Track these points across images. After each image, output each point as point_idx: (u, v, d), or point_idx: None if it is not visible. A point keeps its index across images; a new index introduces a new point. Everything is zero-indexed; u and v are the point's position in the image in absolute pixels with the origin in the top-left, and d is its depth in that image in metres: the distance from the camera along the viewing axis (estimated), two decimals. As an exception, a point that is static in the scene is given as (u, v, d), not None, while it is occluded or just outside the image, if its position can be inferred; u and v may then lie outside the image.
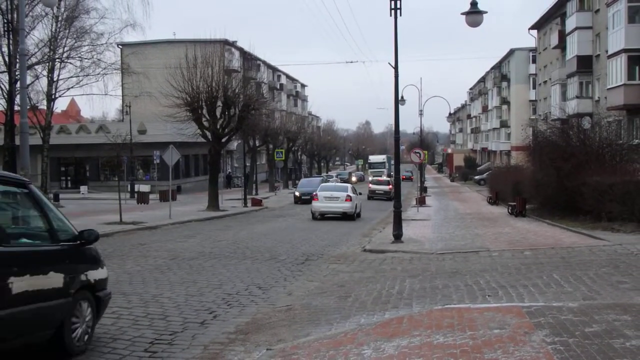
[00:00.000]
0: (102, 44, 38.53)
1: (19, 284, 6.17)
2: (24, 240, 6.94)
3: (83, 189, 54.57)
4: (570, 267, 12.95)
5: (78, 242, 7.30)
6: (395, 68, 20.11)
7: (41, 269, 6.59)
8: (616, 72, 38.31)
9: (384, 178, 60.71)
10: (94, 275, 7.59)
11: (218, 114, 35.09)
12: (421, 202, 41.19)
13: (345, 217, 30.49)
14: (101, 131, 52.51)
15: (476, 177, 78.91)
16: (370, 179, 69.74)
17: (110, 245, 17.88)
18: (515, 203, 30.26)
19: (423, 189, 51.34)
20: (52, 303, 6.67)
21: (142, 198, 42.08)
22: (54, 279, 6.75)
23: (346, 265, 14.96)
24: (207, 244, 18.48)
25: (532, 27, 63.69)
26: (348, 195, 31.19)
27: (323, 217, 30.75)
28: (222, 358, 7.22)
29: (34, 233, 7.21)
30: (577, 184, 22.65)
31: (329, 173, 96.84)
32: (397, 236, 19.28)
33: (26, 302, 6.28)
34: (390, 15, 19.34)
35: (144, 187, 50.26)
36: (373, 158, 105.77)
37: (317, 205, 31.15)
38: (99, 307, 7.70)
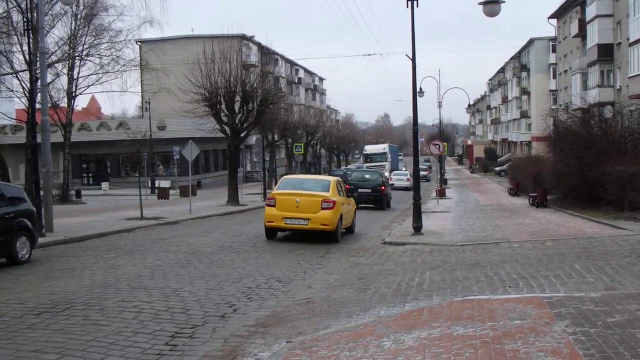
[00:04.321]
0: (120, 41, 38.83)
1: None
2: None
3: (104, 185, 55.16)
4: (592, 257, 12.83)
5: None
6: (413, 60, 20.01)
7: None
8: (638, 60, 37.82)
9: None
10: None
11: (236, 108, 35.12)
12: (441, 194, 41.06)
13: (406, 189, 47.21)
14: (121, 128, 53.07)
15: (496, 169, 78.51)
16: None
17: (131, 240, 18.03)
18: (536, 194, 30.06)
19: (443, 181, 51.17)
20: None
21: (163, 194, 42.39)
22: None
23: (366, 258, 14.95)
24: (227, 239, 18.54)
25: (552, 16, 63.10)
26: (408, 178, 53.17)
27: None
28: (242, 351, 7.24)
29: None
30: (598, 173, 22.45)
31: (349, 166, 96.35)
32: (417, 228, 19.23)
33: None
34: (407, 7, 19.27)
35: (164, 183, 50.63)
36: (370, 148, 79.83)
37: (391, 183, 47.91)
38: None
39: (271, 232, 18.23)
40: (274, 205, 17.64)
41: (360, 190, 31.60)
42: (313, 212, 17.28)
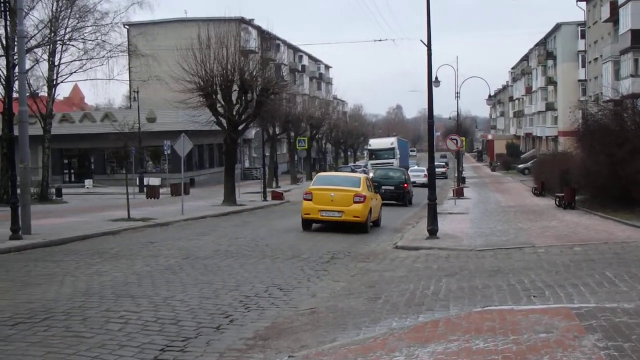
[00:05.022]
0: (107, 24, 38.91)
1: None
2: None
3: (88, 182, 55.26)
4: (625, 263, 12.80)
5: None
6: (428, 46, 19.93)
7: None
8: (676, 46, 37.71)
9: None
10: None
11: (234, 99, 35.13)
12: (458, 193, 41.01)
13: (423, 186, 45.11)
14: (107, 120, 53.21)
15: (520, 166, 78.45)
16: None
17: (117, 243, 18.03)
18: (563, 194, 30.03)
19: (461, 180, 51.18)
20: None
21: (152, 192, 42.43)
22: None
23: (376, 264, 14.93)
24: (223, 242, 18.55)
25: (581, -1, 62.94)
26: (425, 174, 50.84)
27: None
28: (239, 366, 7.23)
29: None
30: (632, 172, 22.41)
31: (357, 163, 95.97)
32: (432, 231, 19.17)
33: None
34: (422, -13, 19.22)
35: (154, 181, 50.72)
36: (376, 143, 75.87)
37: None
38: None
39: (307, 224, 21.90)
40: (311, 199, 21.53)
41: (384, 187, 35.29)
42: (346, 205, 21.10)
